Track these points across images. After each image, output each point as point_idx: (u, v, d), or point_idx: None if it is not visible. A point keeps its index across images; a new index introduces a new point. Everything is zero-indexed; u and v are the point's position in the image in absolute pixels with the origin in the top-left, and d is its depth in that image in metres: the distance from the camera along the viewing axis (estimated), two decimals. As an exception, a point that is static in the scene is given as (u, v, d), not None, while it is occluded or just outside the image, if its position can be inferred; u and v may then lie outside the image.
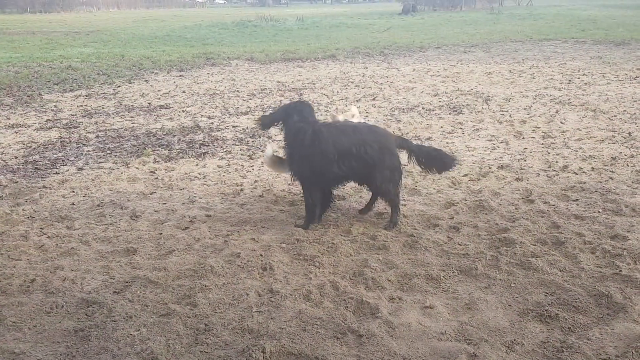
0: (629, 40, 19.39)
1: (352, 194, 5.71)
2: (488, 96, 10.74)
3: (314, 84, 12.91)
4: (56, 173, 6.65)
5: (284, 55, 18.19)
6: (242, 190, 5.95)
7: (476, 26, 27.78)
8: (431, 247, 4.44)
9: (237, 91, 12.25)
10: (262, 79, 13.80)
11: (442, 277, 3.95)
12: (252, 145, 7.75)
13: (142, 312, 3.61)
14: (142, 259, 4.38)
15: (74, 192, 5.99)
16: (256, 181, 6.22)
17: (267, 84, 13.04)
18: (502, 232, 4.64)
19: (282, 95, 11.54)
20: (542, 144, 7.38)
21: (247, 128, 8.79)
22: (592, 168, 6.27)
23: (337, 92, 11.77)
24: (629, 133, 7.70)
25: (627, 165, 6.31)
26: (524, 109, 9.51)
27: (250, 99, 11.36)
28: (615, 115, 8.77)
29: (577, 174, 6.11)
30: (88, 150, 7.66)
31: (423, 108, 9.90)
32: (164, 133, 8.58)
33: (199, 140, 8.08)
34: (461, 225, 4.83)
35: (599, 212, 5.02)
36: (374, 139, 4.71)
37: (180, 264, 4.25)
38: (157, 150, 7.62)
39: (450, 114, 9.38)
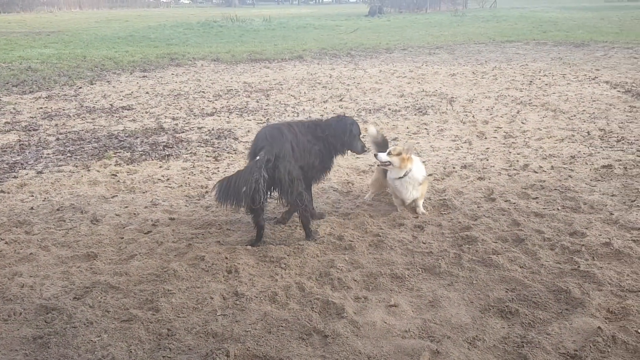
0: (588, 41, 19.96)
1: (320, 194, 5.72)
2: (452, 97, 10.91)
3: (281, 84, 12.89)
4: (15, 177, 6.46)
5: (251, 56, 18.11)
6: (207, 192, 5.88)
7: (441, 28, 28.18)
8: (396, 247, 4.47)
9: (203, 92, 12.12)
10: (228, 80, 13.70)
11: (406, 276, 3.98)
12: (218, 147, 7.68)
13: (103, 318, 3.54)
14: (103, 263, 4.29)
15: (33, 196, 5.82)
16: (221, 183, 6.15)
17: (233, 85, 12.96)
18: (465, 230, 4.72)
19: (249, 96, 11.47)
20: (504, 143, 7.53)
21: (212, 129, 8.70)
22: (552, 167, 6.43)
23: (305, 93, 11.77)
24: (588, 132, 7.92)
25: (586, 164, 6.49)
26: (487, 109, 9.69)
27: (216, 99, 11.26)
28: (574, 115, 9.01)
29: (537, 172, 6.26)
30: (48, 154, 7.47)
31: (389, 109, 9.98)
32: (126, 135, 8.43)
33: (162, 142, 7.96)
34: (426, 224, 4.88)
35: (558, 209, 5.14)
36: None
37: (143, 268, 4.18)
38: (119, 152, 7.48)
39: (415, 114, 9.48)
